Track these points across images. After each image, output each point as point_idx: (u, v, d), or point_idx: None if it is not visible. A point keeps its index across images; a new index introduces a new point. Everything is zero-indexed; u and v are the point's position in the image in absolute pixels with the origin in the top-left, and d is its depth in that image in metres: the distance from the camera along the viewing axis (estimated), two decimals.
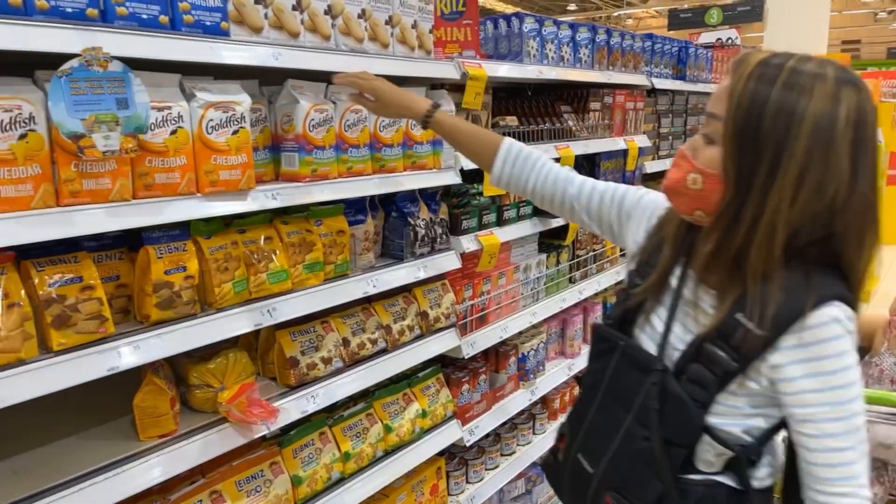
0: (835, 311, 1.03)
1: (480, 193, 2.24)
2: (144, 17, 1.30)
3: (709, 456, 1.14)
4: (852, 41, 28.60)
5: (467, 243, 2.22)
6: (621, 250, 3.28)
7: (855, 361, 1.05)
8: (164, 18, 1.33)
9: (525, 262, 2.65)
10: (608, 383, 1.25)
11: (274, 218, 1.68)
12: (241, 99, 1.46)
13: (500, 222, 2.42)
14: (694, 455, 1.14)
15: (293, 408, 1.69)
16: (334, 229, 1.77)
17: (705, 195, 1.09)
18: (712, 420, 1.12)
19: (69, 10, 1.19)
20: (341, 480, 1.89)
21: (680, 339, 1.16)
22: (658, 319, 1.21)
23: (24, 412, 1.26)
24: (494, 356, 2.62)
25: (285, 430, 1.80)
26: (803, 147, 1.00)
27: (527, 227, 2.56)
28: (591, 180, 1.44)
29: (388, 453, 2.05)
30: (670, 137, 3.53)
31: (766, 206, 1.02)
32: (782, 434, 1.18)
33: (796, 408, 1.07)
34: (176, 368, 1.64)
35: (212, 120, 1.41)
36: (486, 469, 2.57)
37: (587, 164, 3.06)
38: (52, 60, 1.17)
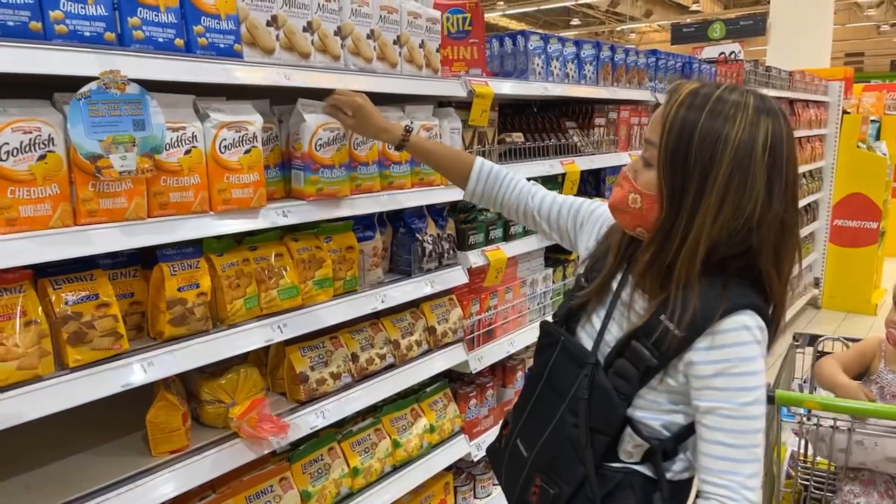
0: (745, 318, 1.12)
1: (487, 209, 2.25)
2: (160, 40, 1.33)
3: (629, 447, 1.22)
4: (855, 54, 28.66)
5: (474, 258, 2.24)
6: None
7: (760, 370, 1.13)
8: (179, 41, 1.36)
9: (532, 276, 2.66)
10: (548, 375, 1.35)
11: (284, 235, 1.70)
12: (253, 119, 1.49)
13: (507, 237, 2.44)
14: (617, 445, 1.23)
15: (303, 423, 1.71)
16: (343, 245, 1.79)
17: (643, 214, 1.19)
18: (635, 413, 1.21)
19: (87, 34, 1.23)
20: (350, 496, 1.89)
21: (613, 337, 1.26)
22: (597, 319, 1.30)
23: (39, 427, 1.28)
24: (502, 371, 2.63)
25: (295, 445, 1.81)
26: (725, 170, 1.10)
27: (533, 242, 2.57)
28: (552, 193, 1.59)
29: (397, 468, 2.06)
30: None
31: (693, 223, 1.12)
32: None
33: (701, 401, 1.15)
34: (188, 384, 1.65)
35: (225, 139, 1.44)
36: (494, 485, 2.56)
37: (592, 180, 3.08)
38: (71, 83, 1.20)
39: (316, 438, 1.87)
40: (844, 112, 6.27)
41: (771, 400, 1.57)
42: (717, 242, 1.12)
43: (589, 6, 19.75)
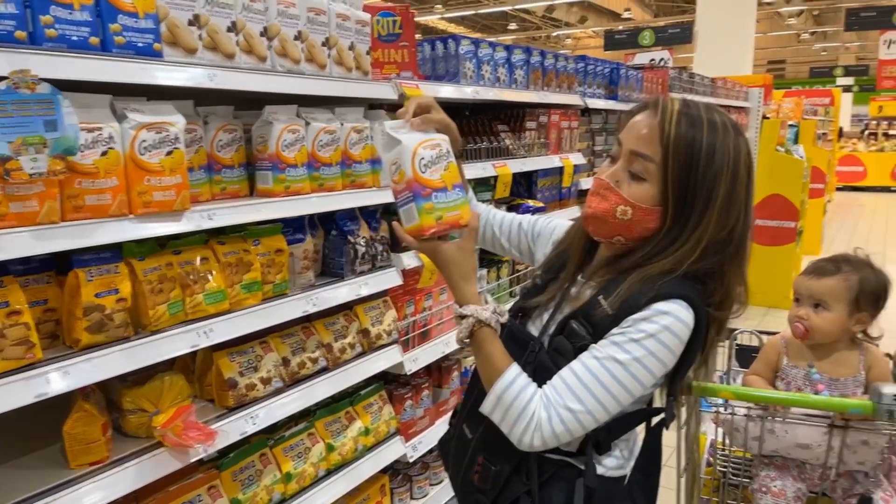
0: (672, 306, 1.17)
1: None
2: (74, 38, 1.29)
3: None
4: (778, 61, 30.18)
5: (408, 260, 2.25)
6: None
7: (655, 352, 1.17)
8: (94, 40, 1.32)
9: None
10: None
11: (210, 238, 1.67)
12: (174, 120, 1.46)
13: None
14: None
15: (232, 430, 1.68)
16: (272, 248, 1.77)
17: (631, 225, 1.24)
18: None
19: None
20: (283, 502, 1.87)
21: (557, 323, 1.31)
22: (546, 313, 1.36)
23: None
24: (438, 371, 2.65)
25: (225, 452, 1.78)
26: (725, 185, 1.19)
27: None
28: (510, 214, 1.66)
29: (331, 472, 2.04)
30: (604, 155, 3.66)
31: (694, 235, 1.20)
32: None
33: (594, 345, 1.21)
34: (109, 393, 1.60)
35: (144, 141, 1.40)
36: (431, 484, 2.58)
37: (525, 182, 3.14)
38: None
39: (247, 445, 1.84)
40: (764, 117, 6.60)
41: (689, 390, 1.65)
42: (705, 252, 1.20)
43: (526, 11, 20.10)
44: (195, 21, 1.51)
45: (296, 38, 1.74)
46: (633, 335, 1.17)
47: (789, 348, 1.92)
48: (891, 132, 19.06)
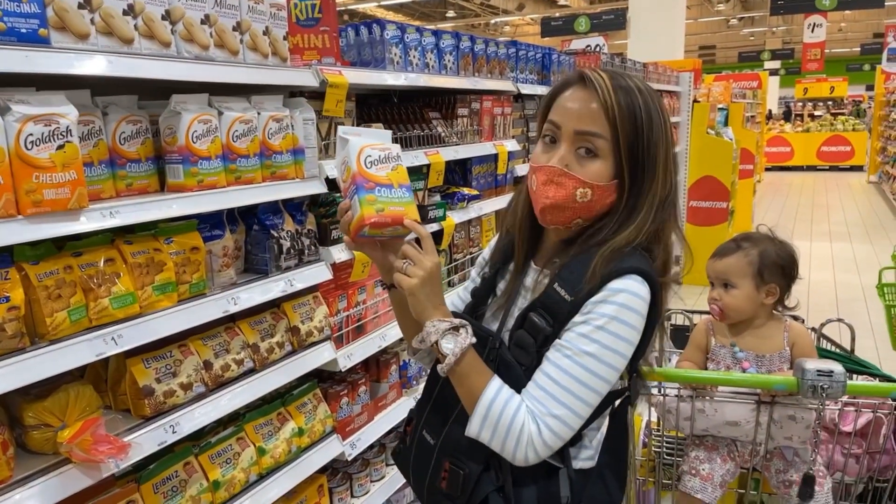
0: (628, 283, 1.16)
1: None
2: None
3: None
4: (708, 46, 31.09)
5: (338, 253, 2.18)
6: None
7: (622, 334, 1.15)
8: None
9: None
10: None
11: (116, 238, 1.56)
12: (65, 111, 1.35)
13: None
14: None
15: (149, 440, 1.58)
16: (187, 247, 1.67)
17: (591, 205, 1.22)
18: None
19: None
20: None
21: (515, 318, 1.28)
22: (502, 308, 1.34)
23: None
24: (375, 366, 2.59)
25: (147, 463, 1.68)
26: (664, 144, 1.21)
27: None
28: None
29: (264, 476, 1.96)
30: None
31: (645, 202, 1.21)
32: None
33: (558, 339, 1.19)
34: (10, 409, 1.48)
35: (31, 135, 1.28)
36: (372, 481, 2.53)
37: (459, 170, 3.10)
38: None
39: (170, 454, 1.75)
40: (695, 101, 6.75)
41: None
42: (656, 215, 1.21)
43: None
44: (86, 4, 1.40)
45: (203, 23, 1.64)
46: (596, 321, 1.15)
47: (715, 329, 1.95)
48: (816, 113, 19.91)
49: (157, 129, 1.69)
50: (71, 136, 1.35)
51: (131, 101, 1.65)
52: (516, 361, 1.24)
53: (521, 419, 1.16)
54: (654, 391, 1.83)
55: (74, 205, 1.36)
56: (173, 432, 1.63)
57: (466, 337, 1.20)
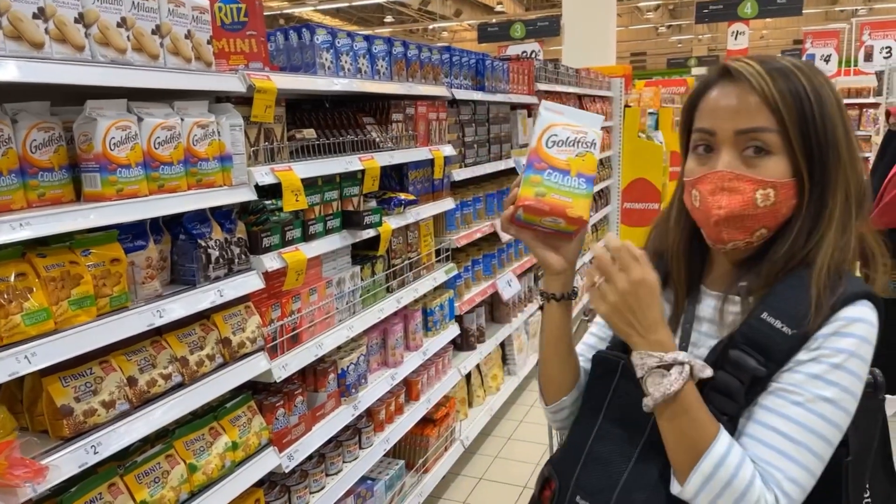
0: (862, 310, 0.98)
1: (280, 209, 2.16)
2: None
3: None
4: (639, 53, 32.09)
5: (270, 262, 2.13)
6: (437, 257, 3.36)
7: (861, 373, 0.97)
8: None
9: (338, 275, 2.61)
10: (607, 409, 1.12)
11: (27, 251, 1.48)
12: None
13: (306, 237, 2.36)
14: None
15: (69, 462, 1.51)
16: (107, 258, 1.60)
17: (777, 208, 1.03)
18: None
19: None
20: None
21: (698, 355, 1.08)
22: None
23: None
24: (313, 375, 2.55)
25: (68, 486, 1.60)
26: (843, 127, 1.03)
27: (336, 241, 2.52)
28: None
29: (195, 494, 1.90)
30: (475, 146, 3.68)
31: (838, 193, 1.02)
32: None
33: (776, 382, 0.99)
34: None
35: None
36: (311, 493, 2.49)
37: (396, 175, 3.09)
38: None
39: (93, 476, 1.67)
40: (626, 105, 6.95)
41: None
42: (859, 206, 1.03)
43: (402, 4, 20.06)
44: None
45: (119, 26, 1.58)
46: (832, 358, 0.96)
47: None
48: None
49: (73, 137, 1.61)
50: None
51: (43, 107, 1.57)
52: (718, 410, 1.00)
53: (758, 490, 0.95)
54: None
55: None
56: (95, 453, 1.56)
57: (678, 378, 0.97)
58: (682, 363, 0.98)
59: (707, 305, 1.13)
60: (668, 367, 0.98)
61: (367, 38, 2.68)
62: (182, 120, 1.77)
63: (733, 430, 1.01)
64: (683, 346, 1.12)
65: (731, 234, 1.05)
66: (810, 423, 0.96)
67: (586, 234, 0.94)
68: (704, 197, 1.04)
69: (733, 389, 1.00)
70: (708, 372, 1.00)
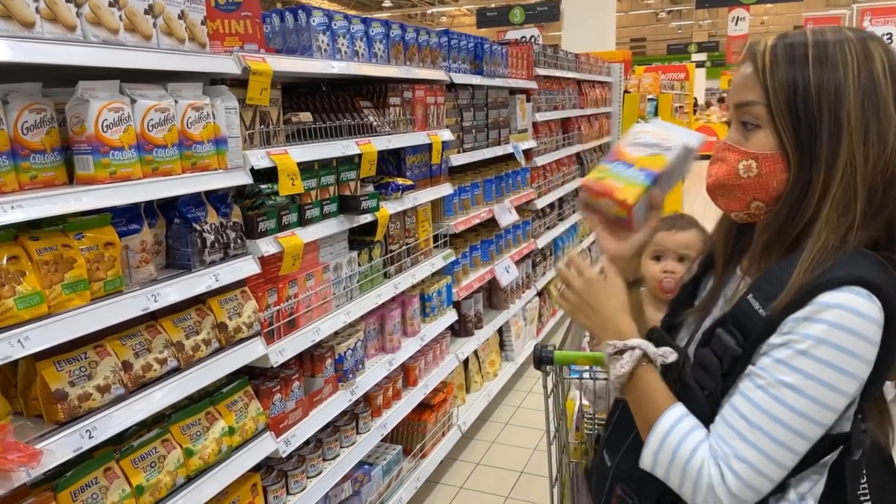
0: (839, 295, 0.93)
1: (276, 193, 2.14)
2: None
3: None
4: (639, 39, 31.92)
5: (266, 246, 2.12)
6: (435, 243, 3.34)
7: (835, 361, 0.93)
8: None
9: (335, 260, 2.59)
10: None
11: (20, 234, 1.47)
12: None
13: (303, 222, 2.34)
14: None
15: (64, 446, 1.50)
16: (100, 242, 1.58)
17: (763, 181, 1.04)
18: None
19: None
20: None
21: (703, 333, 1.13)
22: (695, 320, 1.21)
23: None
24: (309, 360, 2.54)
25: (64, 470, 1.60)
26: (856, 100, 0.98)
27: (333, 226, 2.50)
28: None
29: (193, 479, 1.90)
30: (473, 131, 3.66)
31: (835, 169, 0.98)
32: None
33: (752, 364, 1.00)
34: None
35: None
36: (308, 477, 2.49)
37: (393, 160, 3.07)
38: None
39: (89, 460, 1.66)
40: (626, 91, 6.92)
41: (551, 360, 1.66)
42: (873, 188, 0.97)
43: None
44: None
45: (111, 5, 1.55)
46: (799, 345, 0.94)
47: (647, 305, 2.00)
48: None
49: (65, 119, 1.59)
50: None
51: (35, 88, 1.55)
52: (698, 385, 1.05)
53: (700, 460, 0.98)
54: (586, 375, 1.86)
55: None
56: (90, 437, 1.55)
57: (629, 361, 1.06)
58: (632, 348, 1.08)
59: (731, 286, 1.17)
60: (621, 352, 1.09)
61: (363, 20, 2.65)
62: (176, 102, 1.75)
63: (715, 406, 1.03)
64: (700, 324, 1.17)
65: (726, 204, 1.10)
66: (768, 407, 0.96)
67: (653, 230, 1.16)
68: (708, 166, 1.11)
69: (712, 367, 1.04)
70: (671, 357, 1.08)
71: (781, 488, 1.02)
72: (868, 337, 0.93)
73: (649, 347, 1.08)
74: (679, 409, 1.03)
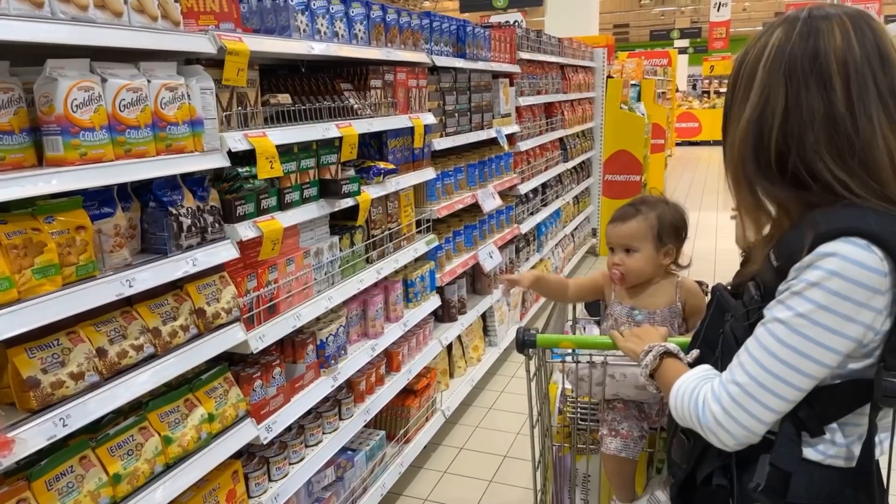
0: (837, 245, 0.99)
1: (254, 176, 2.10)
2: None
3: None
4: (622, 25, 31.88)
5: (244, 231, 2.08)
6: (417, 228, 3.32)
7: (829, 304, 0.99)
8: None
9: (316, 245, 2.56)
10: (704, 331, 1.35)
11: None
12: None
13: (282, 206, 2.31)
14: None
15: (37, 435, 1.46)
16: (71, 226, 1.54)
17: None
18: None
19: None
20: None
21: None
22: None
23: None
24: (291, 346, 2.51)
25: (39, 459, 1.56)
26: (762, 80, 1.12)
27: (313, 210, 2.47)
28: None
29: (171, 466, 1.87)
30: (456, 115, 3.62)
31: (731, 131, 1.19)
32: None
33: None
34: None
35: None
36: (290, 464, 2.47)
37: (375, 144, 3.04)
38: None
39: (64, 448, 1.63)
40: (609, 77, 6.90)
41: (533, 344, 1.65)
42: (751, 145, 1.13)
43: None
44: None
45: None
46: (796, 287, 1.03)
47: (614, 286, 2.01)
48: (721, 90, 20.87)
49: (34, 99, 1.54)
50: None
51: (2, 67, 1.50)
52: (732, 334, 1.19)
53: (701, 386, 1.16)
54: (568, 359, 1.85)
55: None
56: (64, 425, 1.52)
57: (649, 358, 1.38)
58: (652, 348, 1.39)
59: None
60: (648, 351, 1.40)
61: (344, 1, 2.60)
62: (149, 82, 1.70)
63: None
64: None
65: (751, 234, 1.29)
66: (764, 340, 1.07)
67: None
68: None
69: (740, 315, 1.18)
70: (694, 354, 1.33)
71: (817, 427, 1.10)
72: (866, 284, 0.98)
73: (669, 345, 1.37)
74: (696, 370, 1.22)
